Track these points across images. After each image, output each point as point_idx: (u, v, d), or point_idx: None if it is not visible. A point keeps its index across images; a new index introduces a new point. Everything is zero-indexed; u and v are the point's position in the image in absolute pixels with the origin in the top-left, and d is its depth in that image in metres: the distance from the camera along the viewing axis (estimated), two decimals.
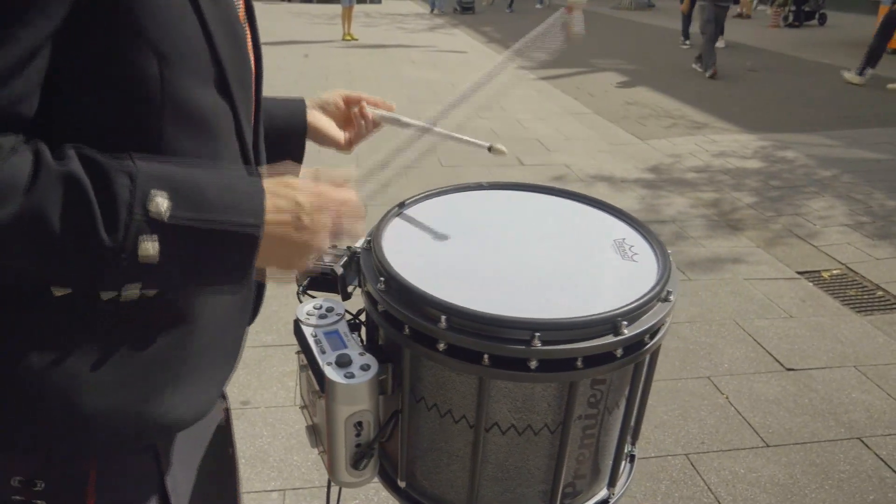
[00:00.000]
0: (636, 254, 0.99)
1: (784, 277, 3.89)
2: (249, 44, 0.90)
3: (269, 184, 0.76)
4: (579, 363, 0.82)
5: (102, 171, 0.65)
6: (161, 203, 0.67)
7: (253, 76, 0.90)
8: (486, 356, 0.81)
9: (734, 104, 8.14)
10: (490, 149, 1.11)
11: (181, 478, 0.93)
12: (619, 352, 0.83)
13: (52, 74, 0.67)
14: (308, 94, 1.24)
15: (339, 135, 1.22)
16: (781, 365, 3.05)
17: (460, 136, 1.13)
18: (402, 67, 10.30)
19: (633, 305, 0.84)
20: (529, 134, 6.68)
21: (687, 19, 14.22)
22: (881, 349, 3.22)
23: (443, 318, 0.82)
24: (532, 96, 8.55)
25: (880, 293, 3.77)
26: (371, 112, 1.22)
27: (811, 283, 3.83)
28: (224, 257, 0.72)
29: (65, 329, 0.75)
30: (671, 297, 0.90)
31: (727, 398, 2.81)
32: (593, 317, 0.81)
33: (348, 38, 13.28)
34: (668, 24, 14.82)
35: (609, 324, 0.82)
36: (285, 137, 1.16)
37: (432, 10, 20.29)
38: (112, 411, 0.78)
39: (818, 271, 3.99)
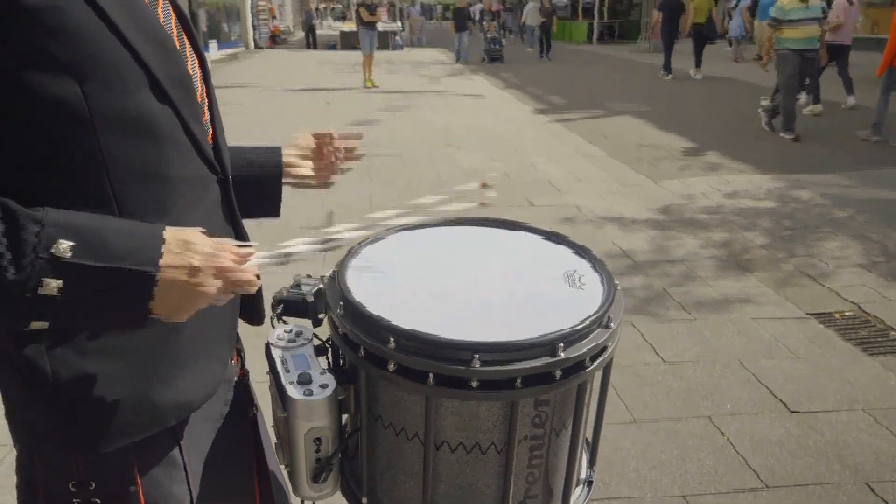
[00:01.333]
0: (584, 283, 1.05)
1: (793, 318, 3.87)
2: (187, 47, 0.98)
3: (170, 239, 0.81)
4: (519, 383, 0.87)
5: (14, 217, 0.73)
6: (63, 246, 0.74)
7: (199, 76, 0.98)
8: (430, 375, 0.87)
9: (749, 145, 8.18)
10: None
11: (194, 453, 1.01)
12: (558, 373, 0.88)
13: None
14: None
15: (313, 175, 1.30)
16: (786, 406, 3.03)
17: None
18: (420, 112, 10.53)
19: (570, 330, 0.89)
20: (541, 176, 6.78)
21: (668, 50, 14.63)
22: (892, 391, 3.18)
23: (392, 339, 0.88)
24: (546, 139, 8.68)
25: (894, 334, 3.73)
26: (339, 151, 1.29)
27: (821, 324, 3.81)
28: (121, 298, 0.78)
29: (73, 333, 0.85)
30: (612, 324, 0.95)
31: (728, 439, 2.79)
32: (530, 339, 0.87)
33: (369, 84, 13.63)
34: (686, 66, 14.99)
35: (546, 346, 0.87)
36: (262, 181, 1.25)
37: (458, 60, 19.95)
38: (128, 400, 0.89)
39: (829, 312, 3.97)
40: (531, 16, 21.44)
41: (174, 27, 0.98)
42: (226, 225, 1.04)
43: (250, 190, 1.20)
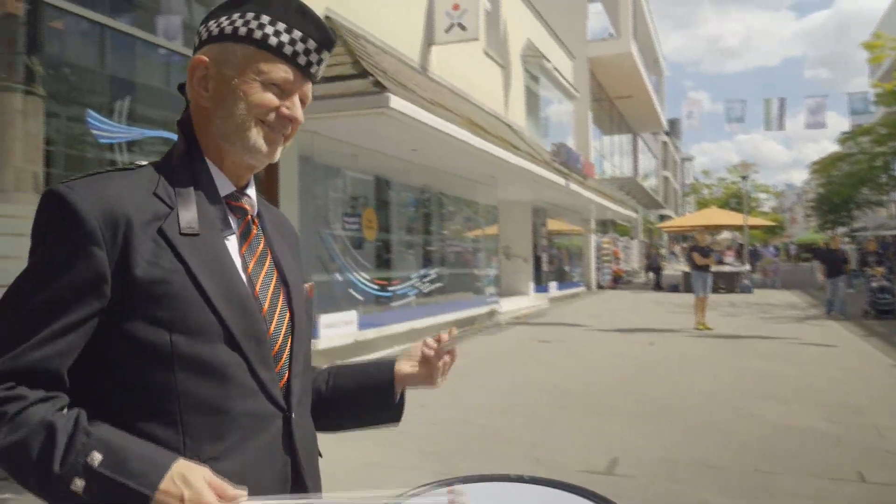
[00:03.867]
0: None
1: None
2: (280, 305, 1.21)
3: (174, 470, 0.98)
4: None
5: (77, 427, 0.99)
6: (96, 457, 0.96)
7: (283, 332, 1.20)
8: None
9: None
10: None
11: None
12: None
13: (90, 344, 1.04)
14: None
15: (420, 375, 1.43)
16: None
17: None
18: (748, 359, 9.70)
19: None
20: (885, 444, 5.54)
21: None
22: None
23: None
24: None
25: None
26: (428, 349, 1.41)
27: None
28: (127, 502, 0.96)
29: None
30: None
31: None
32: None
33: (701, 327, 13.16)
34: None
35: None
36: (375, 392, 1.42)
37: (829, 312, 15.60)
38: None
39: None
40: None
41: (271, 289, 1.22)
42: (284, 456, 1.18)
43: (366, 400, 1.41)
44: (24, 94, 4.94)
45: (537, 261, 20.27)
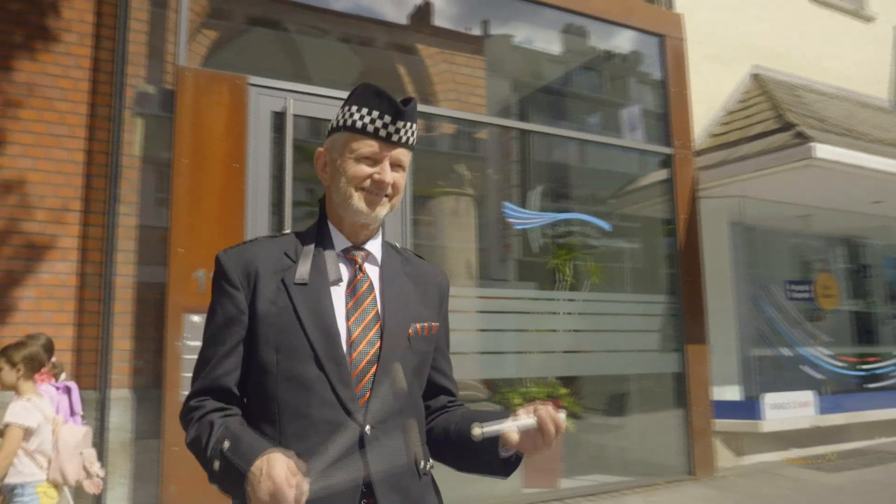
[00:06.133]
0: None
1: None
2: (371, 335, 1.44)
3: (266, 455, 1.24)
4: None
5: (223, 424, 1.37)
6: (225, 444, 1.31)
7: (369, 358, 1.43)
8: None
9: None
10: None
11: None
12: None
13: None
14: None
15: (518, 443, 1.41)
16: None
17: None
18: None
19: None
20: None
21: None
22: None
23: None
24: None
25: None
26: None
27: None
28: (237, 476, 1.27)
29: None
30: None
31: None
32: None
33: None
34: None
35: None
36: (481, 443, 1.44)
37: None
38: None
39: None
40: None
41: (364, 323, 1.46)
42: (360, 466, 1.37)
43: (474, 450, 1.47)
44: (457, 196, 6.14)
45: None
